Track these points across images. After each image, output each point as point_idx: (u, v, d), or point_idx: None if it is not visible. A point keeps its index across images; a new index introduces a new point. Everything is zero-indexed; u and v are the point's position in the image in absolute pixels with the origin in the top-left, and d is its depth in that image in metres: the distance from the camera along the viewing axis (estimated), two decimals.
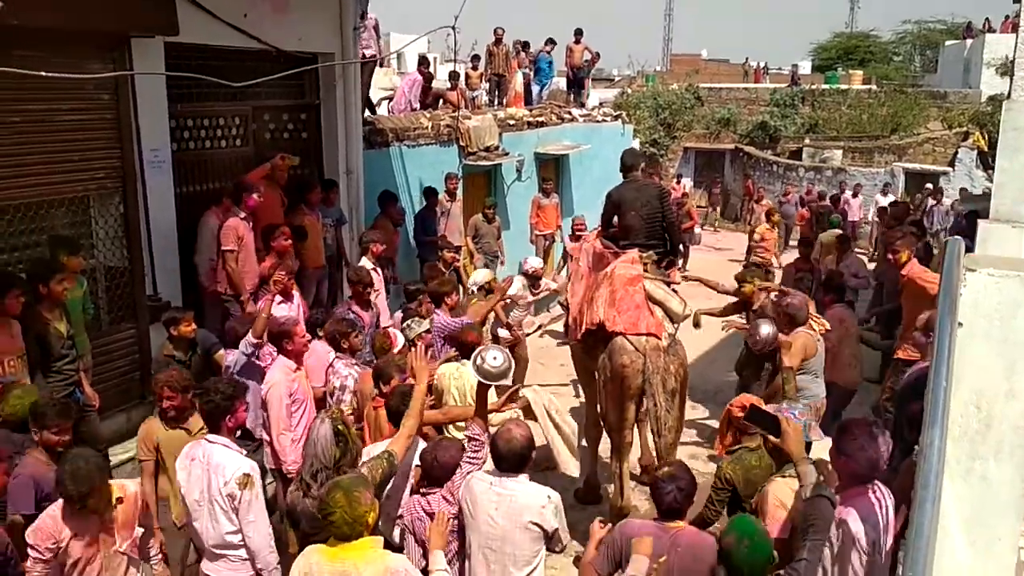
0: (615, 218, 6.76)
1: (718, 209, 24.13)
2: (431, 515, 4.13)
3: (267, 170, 8.08)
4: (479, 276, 8.71)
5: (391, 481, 4.11)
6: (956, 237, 2.97)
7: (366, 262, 8.19)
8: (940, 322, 2.47)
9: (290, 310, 6.82)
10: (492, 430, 4.34)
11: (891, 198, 18.56)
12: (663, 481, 3.84)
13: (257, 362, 5.98)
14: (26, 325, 5.45)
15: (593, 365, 6.39)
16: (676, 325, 6.30)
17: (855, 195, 19.43)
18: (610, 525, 4.08)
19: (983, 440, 2.92)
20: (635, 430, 6.58)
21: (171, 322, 6.17)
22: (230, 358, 5.99)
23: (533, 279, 8.96)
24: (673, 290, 6.55)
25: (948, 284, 2.57)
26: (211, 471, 4.17)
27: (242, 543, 4.21)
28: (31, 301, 5.49)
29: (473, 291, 8.52)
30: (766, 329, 6.38)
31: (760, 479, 4.50)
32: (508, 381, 4.61)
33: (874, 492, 3.65)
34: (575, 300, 6.82)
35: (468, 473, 4.17)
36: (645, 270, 6.34)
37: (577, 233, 9.79)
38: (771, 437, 4.06)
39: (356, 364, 6.06)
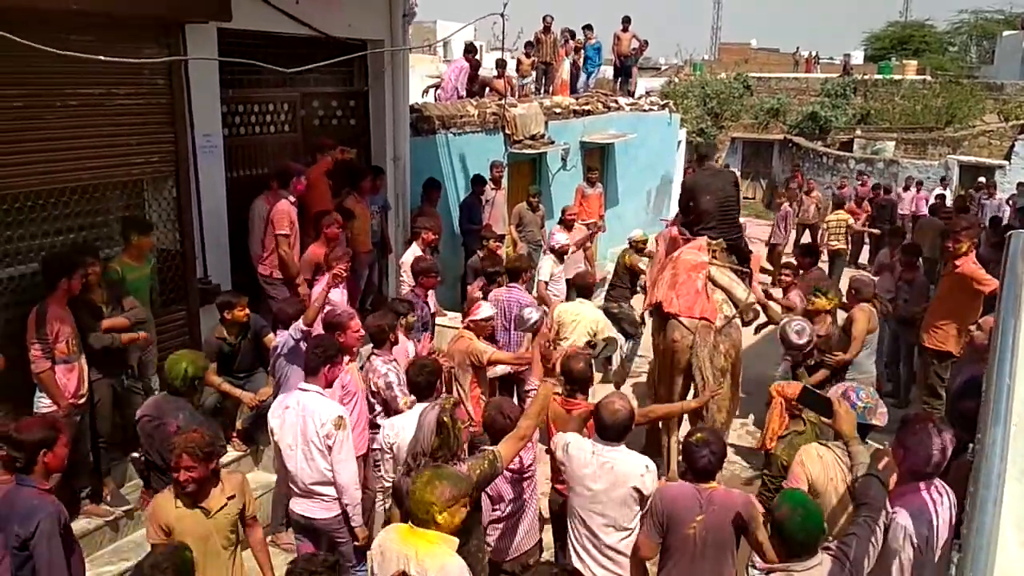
0: (690, 204, 6.94)
1: (795, 205, 21.23)
2: (516, 471, 4.50)
3: (328, 164, 8.17)
4: (635, 234, 9.91)
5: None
6: (1020, 231, 2.89)
7: (415, 249, 8.26)
8: (1003, 318, 2.41)
9: (342, 295, 6.91)
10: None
11: (946, 191, 18.19)
12: (696, 446, 4.03)
13: (303, 346, 6.03)
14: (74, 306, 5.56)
15: (657, 341, 6.79)
16: (739, 311, 6.58)
17: (907, 188, 19.05)
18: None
19: None
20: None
21: (225, 306, 6.26)
22: (279, 339, 6.05)
23: (560, 255, 9.04)
24: (742, 276, 6.79)
25: (1012, 279, 2.51)
26: (306, 416, 4.66)
27: (333, 481, 4.69)
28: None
29: (629, 245, 9.80)
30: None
31: None
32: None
33: (931, 489, 3.61)
34: (649, 281, 7.21)
35: None
36: (714, 257, 6.65)
37: (568, 219, 10.42)
38: (823, 418, 4.14)
39: (393, 359, 6.01)
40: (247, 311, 6.27)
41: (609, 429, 4.20)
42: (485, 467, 3.82)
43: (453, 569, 3.35)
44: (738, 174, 23.56)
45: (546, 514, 5.28)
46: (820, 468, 4.12)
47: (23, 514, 3.75)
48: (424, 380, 4.94)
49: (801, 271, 8.43)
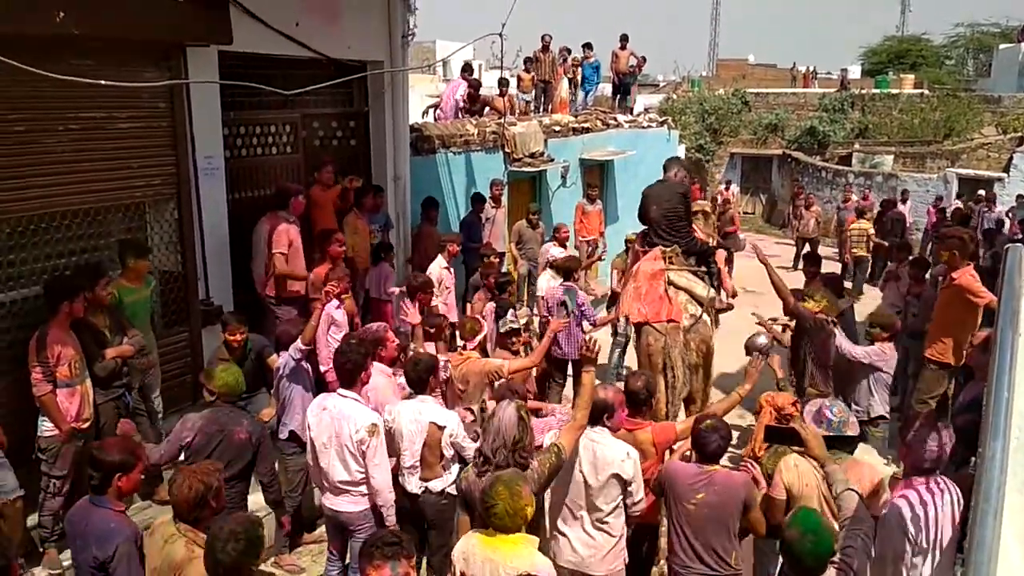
0: (646, 215, 7.50)
1: (796, 219, 19.20)
2: None
3: (337, 192, 8.36)
4: (630, 235, 10.13)
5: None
6: (1017, 245, 2.90)
7: (441, 261, 8.57)
8: (1000, 333, 2.42)
9: (345, 315, 6.96)
10: None
11: (956, 204, 18.27)
12: (707, 432, 4.41)
13: (305, 366, 6.06)
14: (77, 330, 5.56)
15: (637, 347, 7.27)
16: (704, 308, 7.05)
17: (904, 201, 19.10)
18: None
19: None
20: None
21: (223, 327, 6.28)
22: (281, 360, 6.07)
23: (557, 269, 9.12)
24: (701, 277, 7.28)
25: (1009, 294, 2.52)
26: (342, 420, 4.85)
27: (363, 481, 4.92)
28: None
29: (625, 247, 10.18)
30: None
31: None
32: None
33: (929, 484, 3.77)
34: (621, 294, 7.64)
35: None
36: (671, 262, 7.14)
37: (561, 237, 10.51)
38: (795, 448, 4.48)
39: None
40: (238, 336, 6.18)
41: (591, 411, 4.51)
42: (553, 459, 4.12)
43: (544, 567, 3.58)
44: (736, 189, 23.85)
45: None
46: (795, 476, 4.50)
47: (100, 536, 3.82)
48: (417, 376, 5.20)
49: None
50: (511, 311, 7.35)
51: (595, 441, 4.51)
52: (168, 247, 6.95)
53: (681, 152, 18.70)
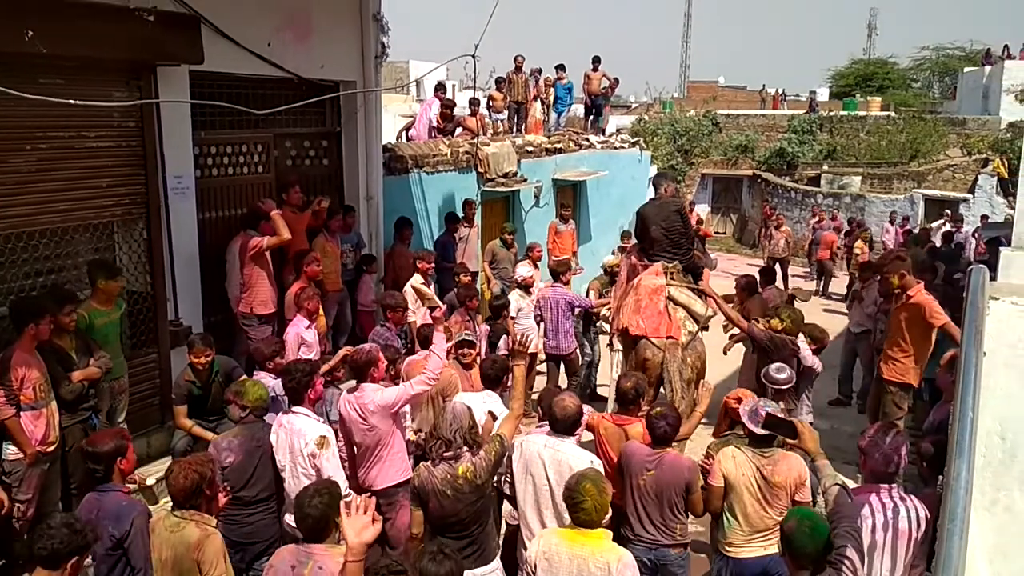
0: (644, 232, 7.51)
1: (766, 240, 19.42)
2: None
3: (309, 215, 8.34)
4: (608, 260, 10.66)
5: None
6: (980, 266, 2.95)
7: (418, 277, 8.62)
8: (965, 352, 2.45)
9: (315, 335, 6.92)
10: None
11: (942, 225, 18.56)
12: (656, 418, 4.95)
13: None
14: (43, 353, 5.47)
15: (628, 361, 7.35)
16: (700, 325, 7.18)
17: (892, 221, 19.36)
18: None
19: (1007, 470, 2.87)
20: None
21: (188, 347, 6.21)
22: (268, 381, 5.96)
23: (525, 288, 9.15)
24: (699, 294, 7.33)
25: (973, 314, 2.55)
26: (293, 435, 4.97)
27: None
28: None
29: (603, 271, 10.45)
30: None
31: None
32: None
33: (883, 493, 3.96)
34: (614, 306, 7.76)
35: None
36: (672, 278, 7.20)
37: (534, 257, 10.53)
38: (788, 440, 4.58)
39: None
40: (203, 359, 6.10)
41: (559, 423, 4.72)
42: (497, 447, 4.40)
43: (629, 559, 3.80)
44: (706, 209, 24.09)
45: None
46: (733, 466, 4.82)
47: (116, 515, 3.97)
48: (494, 374, 5.65)
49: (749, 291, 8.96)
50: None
51: (558, 450, 4.64)
52: (137, 267, 6.87)
53: (653, 172, 18.85)
